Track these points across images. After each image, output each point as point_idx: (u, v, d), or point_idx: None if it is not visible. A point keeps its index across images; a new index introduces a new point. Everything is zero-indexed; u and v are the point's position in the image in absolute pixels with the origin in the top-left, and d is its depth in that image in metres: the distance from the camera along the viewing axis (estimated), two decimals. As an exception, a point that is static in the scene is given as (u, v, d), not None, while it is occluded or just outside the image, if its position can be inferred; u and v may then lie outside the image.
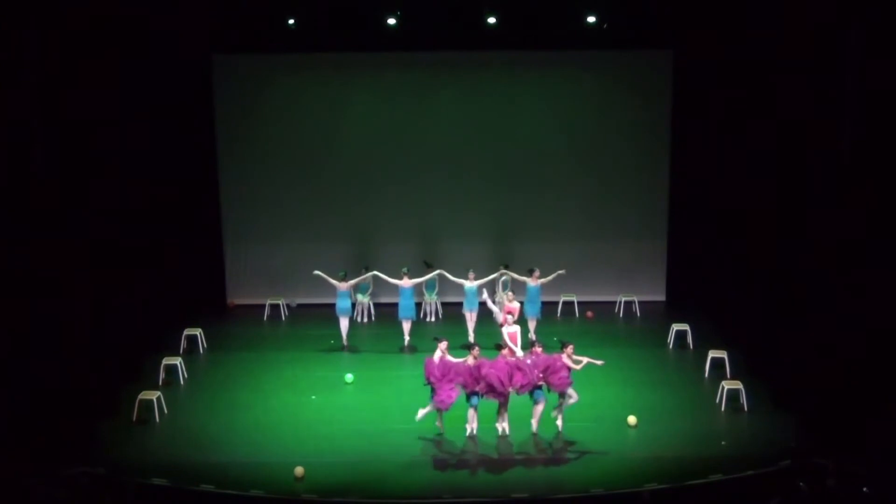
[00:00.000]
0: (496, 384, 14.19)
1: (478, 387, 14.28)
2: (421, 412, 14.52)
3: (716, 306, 19.54)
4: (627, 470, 13.57)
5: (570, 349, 14.43)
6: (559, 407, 14.68)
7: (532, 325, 18.37)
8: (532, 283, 18.46)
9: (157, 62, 18.81)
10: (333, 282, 18.37)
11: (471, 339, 17.97)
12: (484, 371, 14.23)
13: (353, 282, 18.70)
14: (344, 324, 18.58)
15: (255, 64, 20.67)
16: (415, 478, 13.49)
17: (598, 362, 14.60)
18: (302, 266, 21.03)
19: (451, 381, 14.25)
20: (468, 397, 14.36)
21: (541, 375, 14.37)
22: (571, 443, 14.44)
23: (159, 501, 12.52)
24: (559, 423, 14.66)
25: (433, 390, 14.37)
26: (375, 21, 19.19)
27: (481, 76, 20.80)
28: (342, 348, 18.51)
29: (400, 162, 21.04)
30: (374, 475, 13.40)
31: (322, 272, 18.41)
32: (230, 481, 12.98)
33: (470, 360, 14.44)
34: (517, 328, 16.24)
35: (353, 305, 19.41)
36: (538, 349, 14.64)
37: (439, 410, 14.43)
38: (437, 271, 19.05)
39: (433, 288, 20.21)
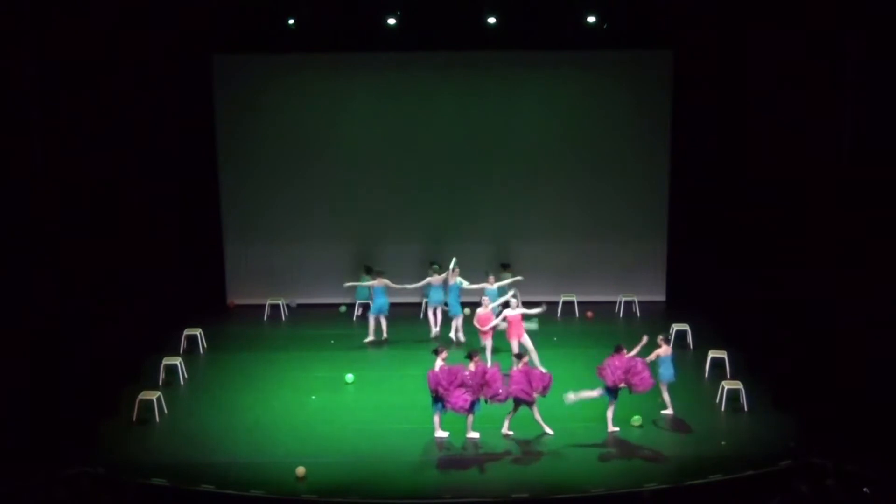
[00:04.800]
0: (522, 396, 14.29)
1: (482, 392, 14.30)
2: (441, 434, 14.52)
3: (716, 306, 19.53)
4: (627, 470, 13.58)
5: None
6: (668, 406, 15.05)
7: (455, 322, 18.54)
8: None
9: (157, 62, 18.81)
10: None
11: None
12: (498, 383, 14.33)
13: (441, 276, 18.77)
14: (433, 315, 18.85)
15: (255, 64, 20.62)
16: (415, 478, 13.49)
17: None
18: (302, 266, 21.08)
19: (459, 385, 14.24)
20: (472, 405, 14.35)
21: (622, 377, 14.49)
22: (571, 443, 14.45)
23: (159, 501, 12.54)
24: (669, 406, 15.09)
25: (442, 400, 14.33)
26: (375, 21, 19.17)
27: (481, 76, 20.75)
28: (437, 337, 18.59)
29: (400, 162, 21.00)
30: (374, 475, 13.40)
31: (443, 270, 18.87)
32: (230, 481, 12.99)
33: (472, 367, 14.47)
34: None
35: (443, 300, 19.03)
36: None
37: (463, 413, 14.33)
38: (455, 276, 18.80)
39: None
